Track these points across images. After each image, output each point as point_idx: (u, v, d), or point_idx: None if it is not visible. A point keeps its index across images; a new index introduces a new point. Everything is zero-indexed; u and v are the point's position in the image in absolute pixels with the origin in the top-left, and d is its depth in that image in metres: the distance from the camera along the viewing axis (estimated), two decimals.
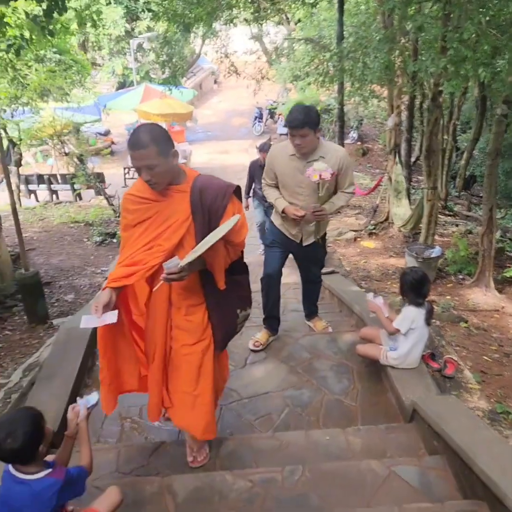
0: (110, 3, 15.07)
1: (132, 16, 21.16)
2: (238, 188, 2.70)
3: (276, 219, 4.22)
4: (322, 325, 4.80)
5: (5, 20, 6.79)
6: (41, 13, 6.46)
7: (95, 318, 2.45)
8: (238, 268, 2.86)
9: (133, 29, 21.20)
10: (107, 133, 20.31)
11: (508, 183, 13.35)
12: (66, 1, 6.58)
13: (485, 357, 5.03)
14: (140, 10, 21.06)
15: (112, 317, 2.46)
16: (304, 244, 4.14)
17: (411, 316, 3.61)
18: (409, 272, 3.78)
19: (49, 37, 7.18)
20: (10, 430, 1.95)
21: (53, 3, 6.21)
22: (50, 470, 2.04)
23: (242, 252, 2.84)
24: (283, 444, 3.11)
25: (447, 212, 12.36)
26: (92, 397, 2.44)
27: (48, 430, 2.12)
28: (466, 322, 5.80)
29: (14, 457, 2.00)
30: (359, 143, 19.28)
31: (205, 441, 3.06)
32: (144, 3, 21.09)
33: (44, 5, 6.51)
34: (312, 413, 3.57)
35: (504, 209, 13.04)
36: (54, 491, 2.00)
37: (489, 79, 5.31)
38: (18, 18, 7.70)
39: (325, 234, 4.42)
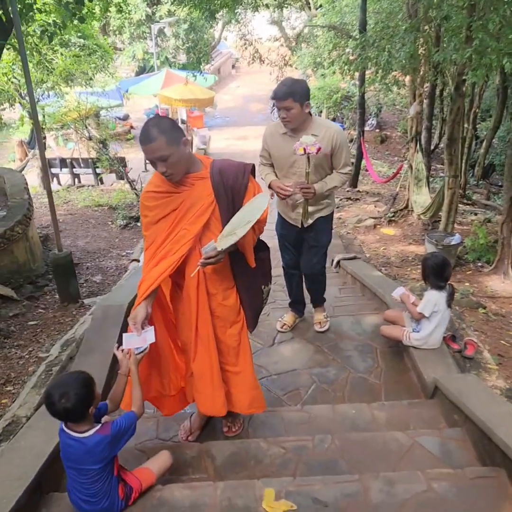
0: None
1: (152, 0, 21.21)
2: (253, 166, 2.72)
3: (278, 205, 4.12)
4: (319, 318, 4.58)
5: (35, 6, 6.98)
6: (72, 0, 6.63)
7: (135, 336, 2.56)
8: (260, 245, 2.87)
9: (154, 13, 21.23)
10: (126, 118, 20.48)
11: None
12: None
13: (503, 342, 5.18)
14: None
15: (151, 336, 2.55)
16: (305, 225, 3.97)
17: (434, 300, 3.77)
18: (431, 257, 3.93)
19: (79, 23, 7.38)
20: (64, 391, 2.15)
21: None
22: (98, 427, 2.25)
23: None
24: (311, 416, 3.30)
25: (465, 201, 12.39)
26: (143, 341, 2.54)
27: (97, 394, 2.33)
28: (484, 308, 5.94)
29: (67, 416, 2.21)
30: (377, 130, 19.26)
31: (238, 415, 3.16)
32: None
33: None
34: (338, 389, 3.77)
35: None
36: (104, 445, 2.21)
37: (509, 69, 5.38)
38: (45, 3, 7.87)
39: (331, 220, 4.17)
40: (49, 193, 5.52)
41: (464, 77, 6.39)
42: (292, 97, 3.41)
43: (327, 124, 3.80)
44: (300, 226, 4.00)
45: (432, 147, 12.71)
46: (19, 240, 6.25)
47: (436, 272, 3.80)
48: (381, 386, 3.77)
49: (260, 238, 2.88)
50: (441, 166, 13.75)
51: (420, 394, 3.59)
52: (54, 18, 6.69)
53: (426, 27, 7.35)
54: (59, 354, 4.29)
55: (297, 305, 4.69)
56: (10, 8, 5.76)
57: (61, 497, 2.48)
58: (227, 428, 3.18)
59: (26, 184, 7.50)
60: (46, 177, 5.66)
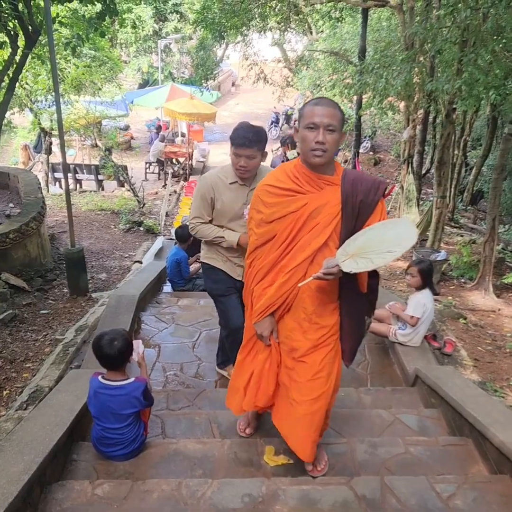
0: (140, 3, 15.70)
1: (160, 16, 21.90)
2: (386, 185, 2.44)
3: (216, 261, 3.49)
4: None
5: (59, 19, 7.46)
6: (94, 15, 7.13)
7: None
8: (372, 271, 2.47)
9: (160, 29, 21.93)
10: (126, 128, 20.98)
11: None
12: (116, 5, 7.26)
13: (480, 348, 5.63)
14: (168, 11, 21.86)
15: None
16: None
17: (423, 301, 4.22)
18: (424, 262, 4.44)
19: (100, 37, 7.86)
20: (115, 336, 2.66)
21: (105, 7, 6.87)
22: (134, 378, 2.69)
23: None
24: None
25: (453, 224, 12.97)
26: (140, 346, 3.05)
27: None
28: (465, 318, 6.40)
29: (114, 359, 2.64)
30: (371, 153, 19.89)
31: (322, 447, 2.86)
32: (173, 5, 21.92)
33: (97, 8, 7.21)
34: None
35: (509, 224, 13.65)
36: (141, 390, 2.64)
37: (499, 100, 5.91)
38: (66, 17, 8.36)
39: None
40: (67, 193, 5.94)
41: (454, 106, 6.93)
42: (257, 146, 3.10)
43: (270, 170, 3.34)
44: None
45: (423, 171, 13.29)
46: (33, 235, 6.62)
47: (429, 275, 4.28)
48: (367, 376, 4.18)
49: None
50: (432, 190, 14.33)
51: (403, 383, 4.02)
52: (77, 32, 7.15)
53: (421, 58, 7.92)
54: (74, 337, 4.67)
55: None
56: (39, 20, 6.26)
57: (88, 445, 2.87)
58: (311, 466, 2.76)
59: (39, 184, 7.90)
60: (66, 178, 6.03)
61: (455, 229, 12.47)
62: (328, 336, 2.53)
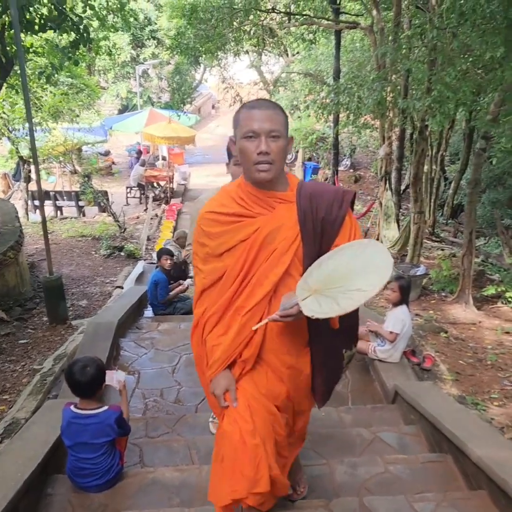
0: (117, 30, 15.85)
1: (137, 43, 22.15)
2: (354, 194, 2.08)
3: None
4: None
5: (33, 49, 7.52)
6: (67, 44, 7.18)
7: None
8: None
9: (138, 55, 22.17)
10: (107, 154, 21.02)
11: (493, 212, 14.13)
12: (90, 34, 7.33)
13: (461, 361, 5.67)
14: (145, 38, 22.11)
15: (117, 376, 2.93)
16: None
17: (401, 317, 4.24)
18: (403, 278, 4.49)
19: (74, 66, 7.91)
20: (87, 363, 2.64)
21: (79, 36, 6.93)
22: (108, 406, 2.66)
23: None
24: None
25: (434, 238, 13.12)
26: (121, 375, 3.04)
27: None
28: (446, 332, 6.44)
29: (86, 386, 2.61)
30: (352, 170, 20.10)
31: (302, 469, 2.67)
32: (150, 32, 22.20)
33: (71, 37, 7.26)
34: None
35: (489, 237, 13.85)
36: (114, 418, 2.61)
37: (468, 117, 6.04)
38: (41, 46, 8.42)
39: None
40: (43, 220, 5.91)
41: (426, 123, 7.06)
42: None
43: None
44: None
45: (403, 187, 13.47)
46: (11, 264, 6.57)
47: (408, 291, 4.33)
48: (348, 394, 4.17)
49: None
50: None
51: (383, 401, 4.01)
52: (51, 60, 7.19)
53: (393, 77, 8.08)
54: (52, 367, 4.61)
55: None
56: (13, 50, 6.28)
57: (63, 478, 2.81)
58: (291, 490, 2.49)
59: (17, 213, 7.86)
60: (42, 206, 6.02)
61: (436, 243, 12.61)
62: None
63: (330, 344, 2.14)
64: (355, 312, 2.10)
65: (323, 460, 2.98)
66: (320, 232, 1.96)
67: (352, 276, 1.84)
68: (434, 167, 13.48)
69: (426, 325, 6.56)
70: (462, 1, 5.84)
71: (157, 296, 6.09)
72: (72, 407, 2.65)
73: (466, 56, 6.38)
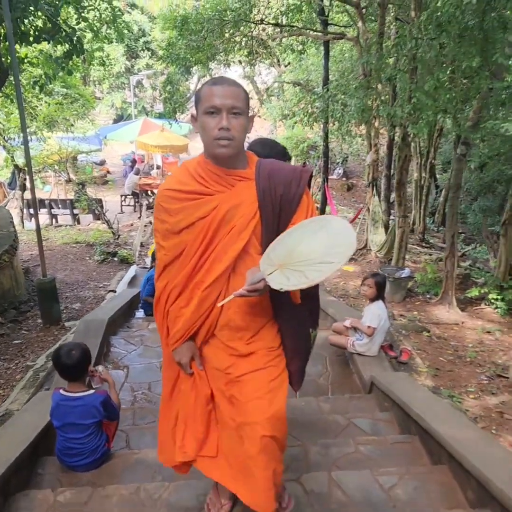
0: (111, 42, 16.13)
1: (132, 54, 22.49)
2: (311, 173, 2.15)
3: None
4: None
5: (28, 60, 7.74)
6: (61, 55, 7.41)
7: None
8: None
9: (132, 66, 22.51)
10: (102, 163, 21.26)
11: (484, 220, 14.36)
12: (83, 45, 7.56)
13: (441, 358, 5.87)
14: (140, 49, 22.46)
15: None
16: None
17: (378, 312, 4.45)
18: (379, 275, 4.72)
19: (67, 75, 8.14)
20: (73, 347, 2.86)
21: (72, 47, 7.16)
22: (93, 390, 2.86)
23: None
24: None
25: (424, 245, 13.33)
26: (100, 367, 3.30)
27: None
28: (428, 331, 6.64)
29: (72, 369, 2.81)
30: (344, 178, 20.36)
31: (283, 486, 2.50)
32: (144, 43, 22.55)
33: (65, 48, 7.49)
34: (290, 390, 4.34)
35: (480, 244, 14.06)
36: (100, 401, 2.80)
37: (447, 124, 6.28)
38: (35, 57, 8.66)
39: None
40: (37, 223, 6.12)
41: (407, 130, 7.30)
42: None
43: None
44: None
45: (392, 194, 13.68)
46: (5, 268, 6.75)
47: (383, 287, 4.54)
48: (328, 386, 4.36)
49: None
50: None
51: (361, 391, 4.20)
52: (46, 71, 7.42)
53: (379, 86, 8.33)
54: (45, 363, 4.78)
55: None
56: (8, 61, 6.50)
57: (53, 459, 2.99)
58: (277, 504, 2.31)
59: (11, 218, 8.05)
60: (36, 211, 6.23)
61: (425, 249, 12.82)
62: (273, 357, 2.17)
63: (296, 323, 2.20)
64: (317, 294, 2.32)
65: (298, 442, 3.17)
66: (278, 209, 2.01)
67: (317, 250, 1.88)
68: (423, 174, 13.74)
69: (409, 325, 6.76)
70: (439, 13, 6.09)
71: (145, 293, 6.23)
72: (61, 391, 2.84)
73: (444, 65, 6.63)
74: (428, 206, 14.41)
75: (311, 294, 2.24)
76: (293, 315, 2.17)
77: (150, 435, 3.40)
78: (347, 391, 4.26)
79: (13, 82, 8.55)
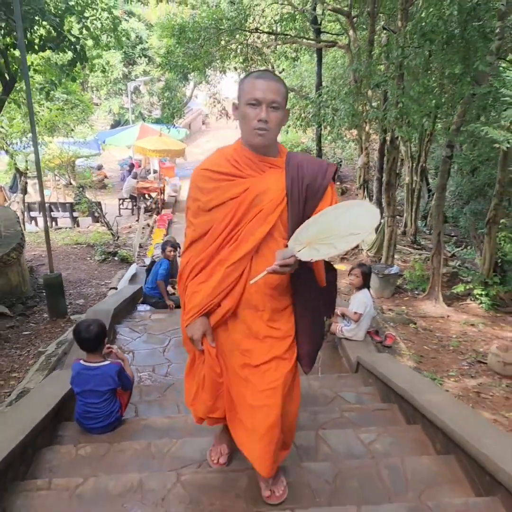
0: (110, 49, 16.51)
1: (129, 60, 22.93)
2: (337, 168, 2.28)
3: None
4: None
5: (33, 67, 8.12)
6: (66, 62, 7.79)
7: None
8: (326, 265, 2.36)
9: (130, 73, 22.94)
10: (100, 168, 21.61)
11: (474, 222, 14.73)
12: (86, 53, 7.95)
13: (426, 347, 6.26)
14: (137, 55, 22.90)
15: None
16: None
17: (364, 300, 4.83)
18: (365, 265, 5.11)
19: (72, 82, 8.52)
20: (91, 323, 3.22)
21: (76, 55, 7.55)
22: (109, 361, 3.22)
23: None
24: None
25: (415, 246, 13.73)
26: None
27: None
28: (415, 324, 7.03)
29: (91, 341, 3.16)
30: (338, 183, 20.77)
31: (281, 471, 2.59)
32: (141, 50, 22.99)
33: (69, 56, 7.89)
34: None
35: (470, 246, 14.45)
36: (115, 371, 3.16)
37: (432, 128, 6.69)
38: (41, 65, 9.04)
39: None
40: (45, 224, 6.50)
41: (395, 134, 7.71)
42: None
43: None
44: None
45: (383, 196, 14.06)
46: (13, 264, 7.10)
47: (369, 276, 4.93)
48: (318, 368, 4.72)
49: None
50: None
51: (348, 372, 4.58)
52: (50, 78, 7.80)
53: (369, 91, 8.75)
54: (55, 349, 5.14)
55: None
56: (14, 68, 6.88)
57: (72, 424, 3.35)
58: (269, 492, 2.48)
59: (18, 218, 8.40)
60: (44, 213, 6.61)
61: (417, 250, 13.21)
62: (288, 348, 2.29)
63: (314, 308, 2.35)
64: (335, 282, 2.47)
65: None
66: (304, 198, 2.15)
67: (344, 226, 2.01)
68: (415, 178, 14.14)
69: (397, 318, 7.15)
70: (423, 24, 6.51)
71: (156, 278, 6.40)
72: (81, 361, 3.21)
73: (429, 72, 7.05)
74: (420, 209, 14.81)
75: (331, 282, 2.39)
76: (313, 301, 2.33)
77: (156, 407, 3.77)
78: (336, 372, 4.63)
79: (17, 88, 8.96)
